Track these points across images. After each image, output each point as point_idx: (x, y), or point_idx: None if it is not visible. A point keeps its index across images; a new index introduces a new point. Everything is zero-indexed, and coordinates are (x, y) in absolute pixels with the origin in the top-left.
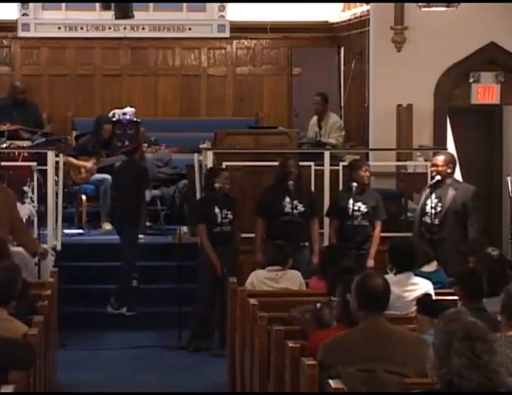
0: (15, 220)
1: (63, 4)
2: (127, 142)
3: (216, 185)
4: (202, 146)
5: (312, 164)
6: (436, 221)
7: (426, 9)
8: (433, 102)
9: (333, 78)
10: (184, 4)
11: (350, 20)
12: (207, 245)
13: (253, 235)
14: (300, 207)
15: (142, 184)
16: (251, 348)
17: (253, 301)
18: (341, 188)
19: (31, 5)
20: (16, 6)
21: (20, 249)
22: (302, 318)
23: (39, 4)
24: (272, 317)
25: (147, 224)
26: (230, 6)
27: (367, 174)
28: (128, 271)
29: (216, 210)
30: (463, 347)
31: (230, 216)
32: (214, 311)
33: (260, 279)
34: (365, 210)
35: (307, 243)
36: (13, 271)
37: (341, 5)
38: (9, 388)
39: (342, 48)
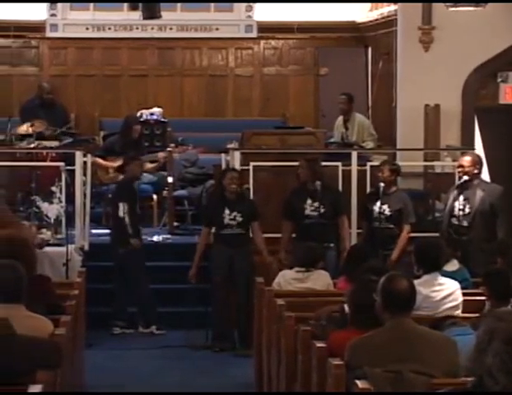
0: None
1: (91, 4)
2: (156, 142)
3: (224, 186)
4: (229, 146)
5: (339, 164)
6: (465, 223)
7: (454, 9)
8: (460, 102)
9: (360, 78)
10: (212, 4)
11: (377, 20)
12: (199, 248)
13: (278, 235)
14: (321, 209)
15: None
16: (278, 348)
17: (280, 301)
18: (368, 188)
19: (59, 5)
20: (44, 6)
21: (47, 249)
22: (316, 324)
23: (68, 5)
24: (299, 317)
25: (175, 224)
26: (257, 6)
27: (386, 174)
28: (146, 291)
29: (226, 211)
30: (500, 348)
31: (239, 218)
32: (231, 311)
33: (287, 279)
34: (389, 213)
35: (332, 244)
36: (16, 268)
37: (368, 5)
38: (37, 388)
39: (370, 48)
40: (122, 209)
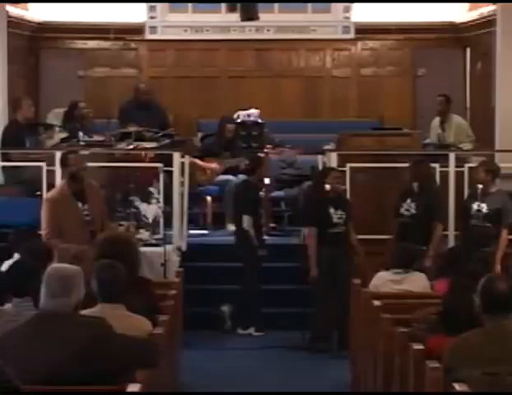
0: (103, 214)
1: (190, 6)
2: (253, 144)
3: (327, 186)
4: (325, 147)
5: (437, 166)
6: None
7: None
8: None
9: (458, 79)
10: (309, 5)
11: (476, 20)
12: (312, 248)
13: (373, 237)
14: (415, 210)
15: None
16: (374, 350)
17: (376, 303)
18: (466, 190)
19: (159, 7)
20: (143, 9)
21: (145, 249)
22: (416, 327)
23: (166, 7)
24: (395, 319)
25: (271, 225)
26: (354, 6)
27: (481, 175)
28: (252, 291)
29: (331, 210)
30: None
31: (344, 217)
32: (331, 312)
33: (384, 281)
34: (487, 211)
35: (424, 248)
36: (116, 268)
37: (467, 5)
38: (136, 387)
39: (468, 49)
40: (247, 222)
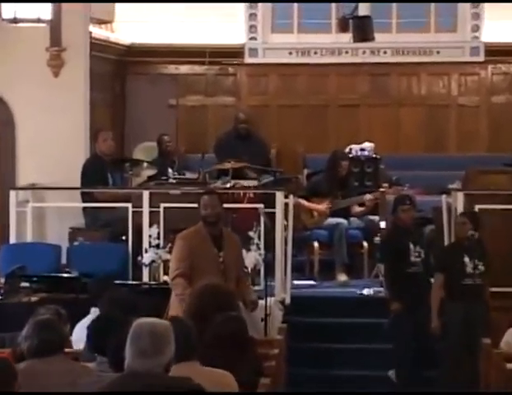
0: (240, 268)
1: (295, 26)
2: (367, 182)
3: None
4: (451, 186)
5: None
6: None
7: None
8: None
9: None
10: (432, 24)
11: None
12: (436, 298)
13: (509, 290)
14: None
15: None
16: None
17: (510, 366)
18: None
19: (259, 28)
20: (242, 29)
21: None
22: None
23: (269, 27)
24: None
25: None
26: (484, 25)
27: None
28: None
29: (466, 259)
30: None
31: (481, 267)
32: (463, 375)
33: None
34: None
35: None
36: (184, 323)
37: None
38: None
39: None
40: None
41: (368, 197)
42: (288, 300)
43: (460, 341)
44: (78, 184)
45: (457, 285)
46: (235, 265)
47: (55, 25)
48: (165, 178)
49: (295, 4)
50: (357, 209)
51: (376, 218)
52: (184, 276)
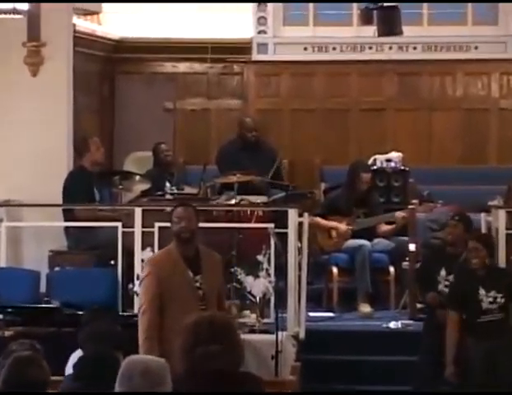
0: (221, 293)
1: (311, 18)
2: (394, 198)
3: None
4: (491, 203)
5: None
6: None
7: None
8: None
9: None
10: (469, 16)
11: None
12: (452, 340)
13: None
14: None
15: None
16: None
17: None
18: None
19: (270, 21)
20: (250, 22)
21: (251, 337)
22: None
23: (280, 19)
24: None
25: (418, 306)
26: None
27: None
28: None
29: (481, 292)
30: None
31: (500, 300)
32: None
33: None
34: None
35: None
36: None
37: None
38: None
39: None
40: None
41: (400, 214)
42: (302, 335)
43: (481, 385)
44: (60, 201)
45: (473, 324)
46: (215, 290)
47: (33, 17)
48: (160, 193)
49: None
50: (384, 228)
51: (405, 239)
52: (151, 309)
